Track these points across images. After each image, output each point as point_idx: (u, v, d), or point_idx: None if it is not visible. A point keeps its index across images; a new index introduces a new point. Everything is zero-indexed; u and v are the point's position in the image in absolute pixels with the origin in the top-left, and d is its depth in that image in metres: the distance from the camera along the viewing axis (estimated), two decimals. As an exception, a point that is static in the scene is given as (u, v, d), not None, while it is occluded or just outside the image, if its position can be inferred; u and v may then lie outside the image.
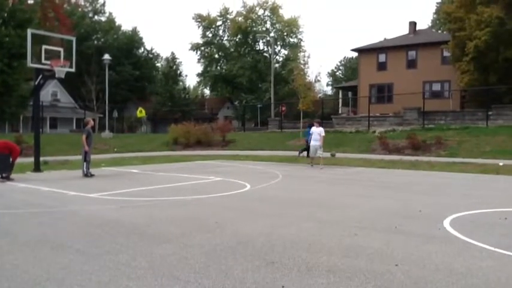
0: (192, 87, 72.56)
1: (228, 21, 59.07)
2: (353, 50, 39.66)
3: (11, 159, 11.44)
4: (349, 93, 41.21)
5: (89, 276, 3.83)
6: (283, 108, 35.57)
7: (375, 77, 34.79)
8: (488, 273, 3.90)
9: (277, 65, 54.66)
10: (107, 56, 34.21)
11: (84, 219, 6.36)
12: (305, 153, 17.93)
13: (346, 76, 72.31)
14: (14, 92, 31.43)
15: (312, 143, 15.51)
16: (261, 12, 58.21)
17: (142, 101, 51.31)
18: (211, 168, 14.96)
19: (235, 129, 35.75)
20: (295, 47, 56.65)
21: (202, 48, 59.98)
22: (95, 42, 55.27)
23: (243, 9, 57.94)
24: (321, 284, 3.64)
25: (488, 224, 5.94)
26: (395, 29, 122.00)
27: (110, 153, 22.47)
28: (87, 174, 12.20)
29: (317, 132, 15.40)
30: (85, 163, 12.25)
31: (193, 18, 59.13)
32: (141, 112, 33.61)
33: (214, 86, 62.80)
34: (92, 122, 13.46)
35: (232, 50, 59.30)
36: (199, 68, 67.14)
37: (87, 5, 58.61)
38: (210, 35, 59.79)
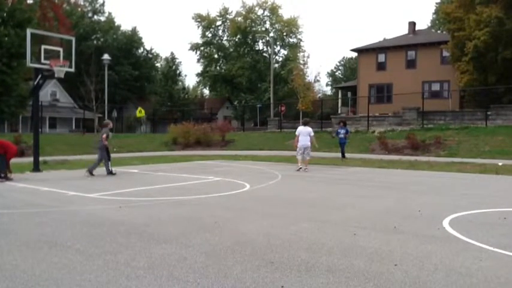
0: (191, 87, 72.59)
1: (228, 21, 59.07)
2: (352, 50, 39.68)
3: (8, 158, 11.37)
4: (349, 93, 41.26)
5: (89, 276, 3.83)
6: (283, 108, 35.59)
7: (374, 77, 34.82)
8: (487, 273, 3.90)
9: (276, 65, 54.67)
10: (106, 56, 34.23)
11: (83, 219, 6.34)
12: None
13: (346, 76, 72.45)
14: (13, 91, 31.42)
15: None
16: (260, 12, 58.30)
17: (142, 101, 51.31)
18: (211, 168, 14.96)
19: (235, 129, 35.77)
20: (295, 47, 56.73)
21: (202, 48, 59.97)
22: (94, 42, 55.24)
23: (242, 9, 58.05)
24: (321, 283, 3.64)
25: (488, 224, 5.94)
26: (395, 29, 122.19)
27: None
28: (111, 172, 12.53)
29: (307, 132, 14.59)
30: (109, 162, 12.63)
31: (192, 18, 59.24)
32: (140, 112, 33.55)
33: (213, 86, 62.79)
34: (111, 124, 13.71)
35: (231, 50, 59.32)
36: (199, 68, 67.13)
37: (87, 4, 58.61)
38: (210, 35, 59.80)
